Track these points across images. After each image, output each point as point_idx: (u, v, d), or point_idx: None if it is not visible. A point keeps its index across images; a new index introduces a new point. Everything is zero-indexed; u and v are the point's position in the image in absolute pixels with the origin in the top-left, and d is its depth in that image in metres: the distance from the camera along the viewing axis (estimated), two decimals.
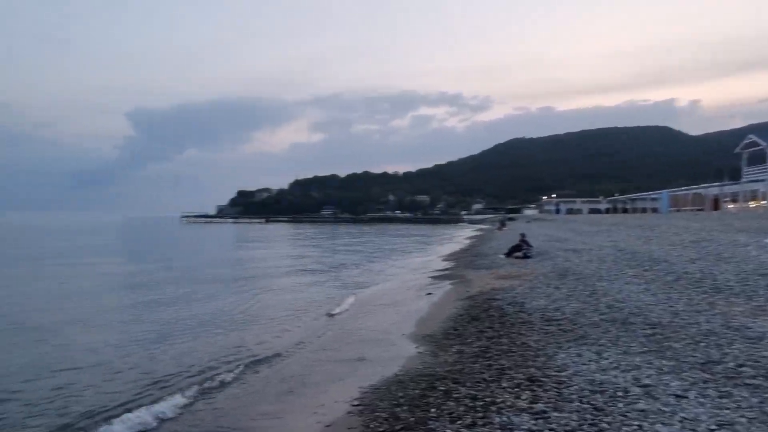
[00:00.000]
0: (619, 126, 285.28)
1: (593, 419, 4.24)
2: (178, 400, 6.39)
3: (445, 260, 24.85)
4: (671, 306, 8.35)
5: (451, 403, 5.06)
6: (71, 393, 6.84)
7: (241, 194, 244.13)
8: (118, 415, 5.95)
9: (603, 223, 37.90)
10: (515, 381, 5.45)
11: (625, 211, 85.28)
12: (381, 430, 4.80)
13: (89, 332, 10.74)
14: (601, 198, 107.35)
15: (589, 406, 4.54)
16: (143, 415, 5.87)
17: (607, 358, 5.89)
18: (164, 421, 5.87)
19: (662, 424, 4.04)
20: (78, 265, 24.72)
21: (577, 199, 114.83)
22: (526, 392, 5.06)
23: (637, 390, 4.81)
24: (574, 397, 4.79)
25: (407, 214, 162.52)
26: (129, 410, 6.09)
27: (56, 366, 8.08)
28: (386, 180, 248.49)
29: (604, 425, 4.11)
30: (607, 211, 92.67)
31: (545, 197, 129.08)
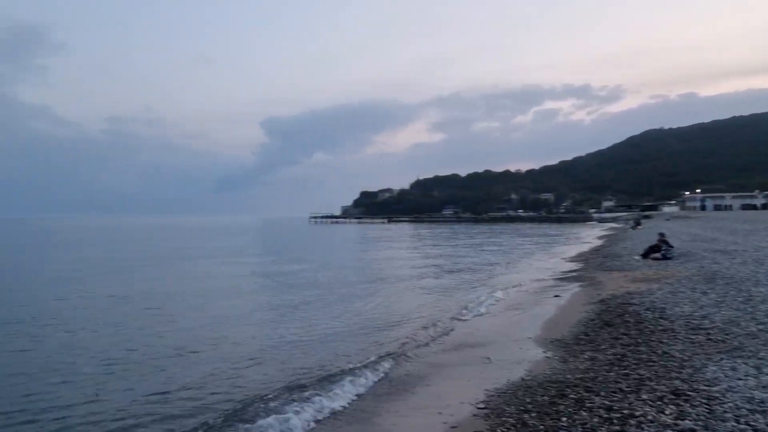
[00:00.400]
0: None
1: None
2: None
3: (572, 261, 23.63)
4: None
5: (584, 413, 4.78)
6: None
7: (364, 195, 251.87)
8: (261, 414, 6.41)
9: (759, 221, 33.64)
10: (657, 393, 5.01)
11: None
12: None
13: (252, 328, 11.69)
14: (756, 192, 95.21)
15: (747, 427, 4.04)
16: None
17: None
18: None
19: None
20: (235, 264, 27.19)
21: (727, 194, 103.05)
22: (671, 407, 4.64)
23: None
24: (728, 416, 4.30)
25: (530, 213, 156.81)
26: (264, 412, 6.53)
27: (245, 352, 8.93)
28: (508, 178, 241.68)
29: None
30: (765, 206, 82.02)
31: (687, 193, 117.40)
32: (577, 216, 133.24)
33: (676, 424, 4.23)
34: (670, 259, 17.34)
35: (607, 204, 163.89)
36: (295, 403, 6.22)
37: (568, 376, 6.10)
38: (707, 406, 4.54)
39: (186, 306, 13.97)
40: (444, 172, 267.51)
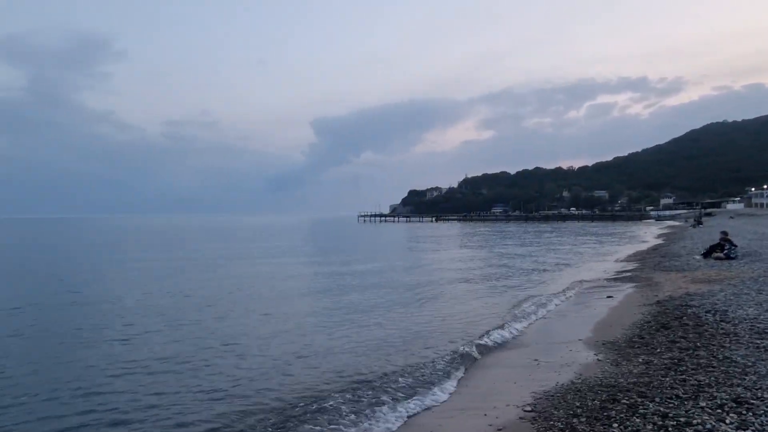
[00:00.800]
0: None
1: None
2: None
3: (627, 261, 22.79)
4: None
5: (637, 420, 4.59)
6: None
7: (413, 193, 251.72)
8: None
9: None
10: (717, 401, 4.75)
11: None
12: None
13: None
14: None
15: None
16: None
17: None
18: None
19: None
20: (292, 265, 27.75)
21: None
22: (731, 415, 4.38)
23: None
24: None
25: (583, 211, 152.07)
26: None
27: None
28: (560, 175, 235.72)
29: None
30: None
31: (753, 189, 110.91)
32: (633, 214, 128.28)
33: None
34: (733, 258, 16.46)
35: (665, 201, 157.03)
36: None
37: (621, 380, 5.87)
38: None
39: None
40: (493, 170, 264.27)
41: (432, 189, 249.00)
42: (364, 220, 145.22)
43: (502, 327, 10.30)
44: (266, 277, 20.58)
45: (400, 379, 7.23)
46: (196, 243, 48.46)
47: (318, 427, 5.65)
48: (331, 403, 6.32)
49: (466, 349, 8.66)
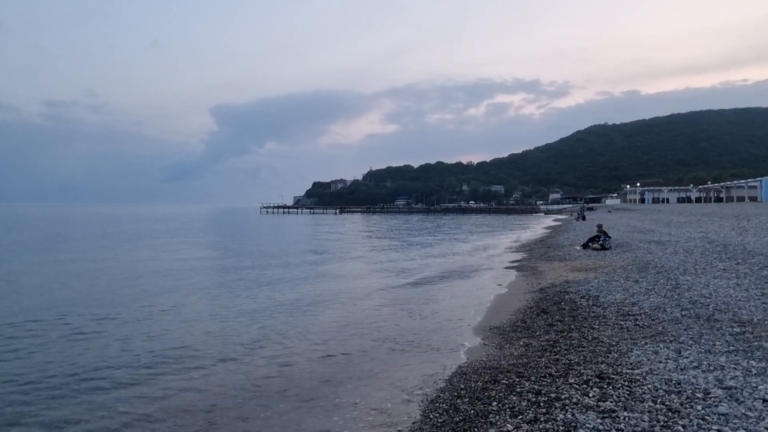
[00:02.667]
0: (713, 108, 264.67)
1: (666, 421, 3.95)
2: None
3: (517, 251, 24.22)
4: (765, 303, 7.66)
5: (514, 398, 4.90)
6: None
7: (317, 185, 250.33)
8: None
9: (693, 213, 35.49)
10: (583, 377, 5.19)
11: (719, 200, 79.27)
12: (440, 420, 4.74)
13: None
14: (691, 186, 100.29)
15: (663, 406, 4.24)
16: None
17: (687, 357, 5.49)
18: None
19: (745, 429, 3.70)
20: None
21: (664, 188, 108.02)
22: (595, 389, 4.81)
23: (720, 392, 4.44)
24: (647, 396, 4.49)
25: (481, 205, 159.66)
26: None
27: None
28: (460, 170, 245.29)
29: (679, 428, 3.81)
30: (698, 200, 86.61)
31: (628, 186, 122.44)
32: (526, 207, 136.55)
33: (598, 406, 4.39)
34: (608, 249, 18.01)
35: (554, 196, 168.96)
36: None
37: (503, 362, 6.24)
38: (628, 388, 4.73)
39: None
40: (397, 163, 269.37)
41: (337, 181, 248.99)
42: (267, 212, 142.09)
43: (394, 317, 10.54)
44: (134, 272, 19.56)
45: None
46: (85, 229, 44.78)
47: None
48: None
49: (364, 339, 8.76)
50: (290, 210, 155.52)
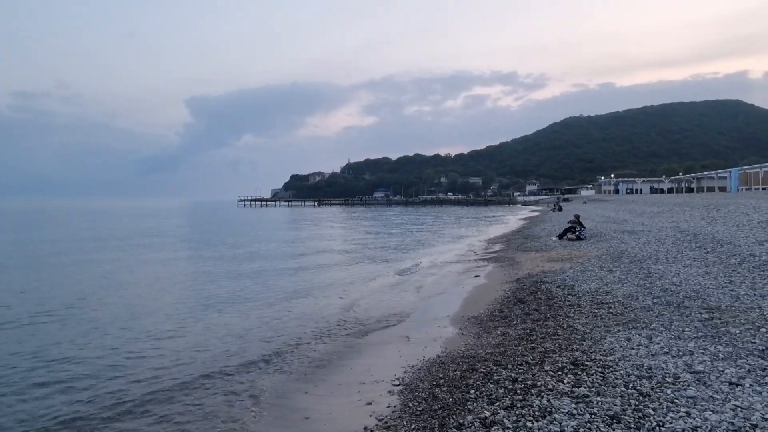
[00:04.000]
0: (685, 101, 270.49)
1: (638, 405, 4.08)
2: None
3: (495, 242, 24.48)
4: (732, 290, 7.91)
5: (491, 385, 5.00)
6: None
7: (295, 178, 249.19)
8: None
9: (665, 203, 36.25)
10: (558, 364, 5.31)
11: (690, 190, 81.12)
12: (420, 409, 4.81)
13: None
14: (663, 177, 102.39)
15: (634, 391, 4.37)
16: None
17: (658, 343, 5.65)
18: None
19: (712, 411, 3.84)
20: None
21: (638, 179, 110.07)
22: (569, 376, 4.93)
23: (688, 376, 4.59)
24: (619, 381, 4.63)
25: (459, 196, 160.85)
26: None
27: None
28: (438, 162, 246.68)
29: (649, 411, 3.95)
30: (670, 190, 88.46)
31: (603, 177, 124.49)
32: (503, 199, 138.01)
33: (573, 392, 4.51)
34: (583, 239, 18.33)
35: (530, 188, 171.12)
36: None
37: (480, 351, 6.34)
38: (601, 374, 4.86)
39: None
40: (375, 155, 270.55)
41: (315, 173, 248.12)
42: (244, 205, 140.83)
43: (374, 309, 10.61)
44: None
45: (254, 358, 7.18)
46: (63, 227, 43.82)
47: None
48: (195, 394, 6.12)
49: (336, 329, 8.81)
50: (268, 203, 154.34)
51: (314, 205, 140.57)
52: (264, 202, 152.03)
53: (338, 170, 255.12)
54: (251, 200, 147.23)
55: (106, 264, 18.89)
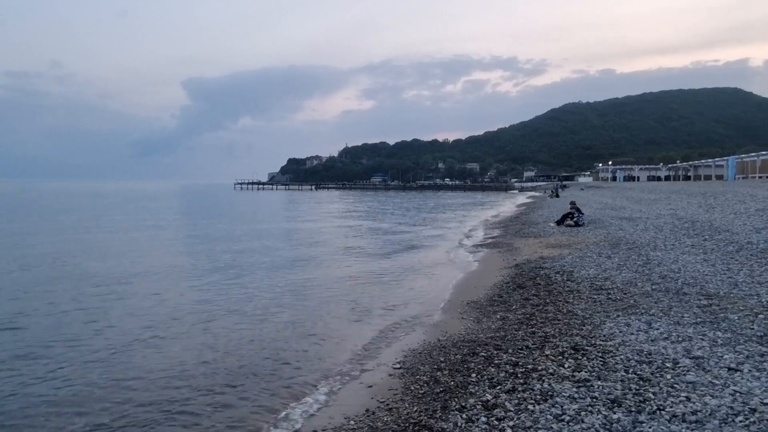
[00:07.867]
0: (684, 88, 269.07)
1: (638, 389, 4.13)
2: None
3: (493, 228, 24.53)
4: (730, 277, 7.97)
5: (492, 369, 5.05)
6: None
7: (292, 162, 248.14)
8: None
9: (663, 191, 36.34)
10: (559, 349, 5.36)
11: (687, 178, 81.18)
12: (421, 392, 4.86)
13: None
14: (660, 165, 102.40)
15: (634, 376, 4.42)
16: None
17: (657, 329, 5.71)
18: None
19: (712, 396, 3.89)
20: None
21: (635, 166, 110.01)
22: (570, 360, 4.98)
23: (688, 361, 4.64)
24: (619, 366, 4.68)
25: (457, 182, 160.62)
26: None
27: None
28: (436, 147, 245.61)
29: (650, 395, 4.00)
30: (668, 178, 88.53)
31: (601, 164, 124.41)
32: (500, 185, 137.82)
33: (573, 376, 4.56)
34: (581, 226, 18.37)
35: (528, 174, 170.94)
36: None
37: (481, 335, 6.39)
38: (602, 359, 4.92)
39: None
40: (373, 139, 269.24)
41: (312, 158, 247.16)
42: (241, 188, 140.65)
43: (374, 294, 10.65)
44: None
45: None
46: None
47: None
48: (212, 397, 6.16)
49: (328, 311, 8.86)
50: (265, 186, 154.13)
51: (311, 189, 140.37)
52: (261, 186, 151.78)
53: (336, 154, 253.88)
54: (248, 183, 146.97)
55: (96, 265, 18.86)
